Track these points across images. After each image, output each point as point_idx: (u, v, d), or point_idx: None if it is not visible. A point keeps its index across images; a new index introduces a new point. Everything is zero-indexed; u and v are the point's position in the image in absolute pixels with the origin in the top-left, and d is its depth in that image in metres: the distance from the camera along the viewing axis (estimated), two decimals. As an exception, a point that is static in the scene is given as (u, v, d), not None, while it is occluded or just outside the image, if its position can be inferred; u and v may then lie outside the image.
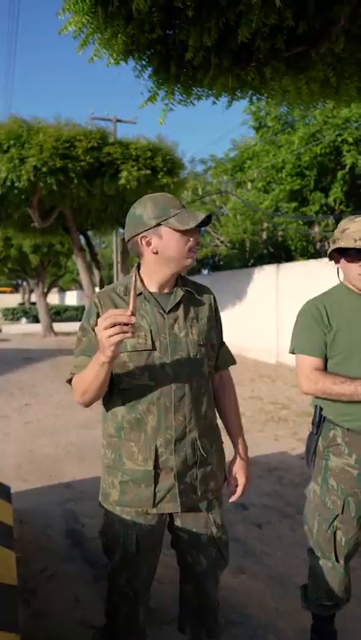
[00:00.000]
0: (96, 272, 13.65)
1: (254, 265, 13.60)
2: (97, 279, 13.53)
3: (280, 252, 13.92)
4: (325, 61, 3.22)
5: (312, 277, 9.56)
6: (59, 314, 30.43)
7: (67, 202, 10.98)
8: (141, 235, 1.56)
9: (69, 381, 1.61)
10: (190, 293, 1.68)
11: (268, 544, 2.96)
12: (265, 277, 11.36)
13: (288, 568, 2.67)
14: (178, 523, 1.66)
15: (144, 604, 1.68)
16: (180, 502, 1.58)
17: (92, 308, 1.60)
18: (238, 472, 1.78)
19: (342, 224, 1.89)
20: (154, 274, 1.60)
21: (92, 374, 1.45)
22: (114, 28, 2.86)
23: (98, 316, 1.56)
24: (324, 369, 1.88)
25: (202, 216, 1.54)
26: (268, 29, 2.77)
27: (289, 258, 13.25)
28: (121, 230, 13.97)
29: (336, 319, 1.87)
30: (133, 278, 1.37)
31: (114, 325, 1.29)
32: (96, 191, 10.27)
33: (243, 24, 2.68)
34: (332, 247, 1.88)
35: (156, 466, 1.55)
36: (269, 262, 12.75)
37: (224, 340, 1.83)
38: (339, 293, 1.94)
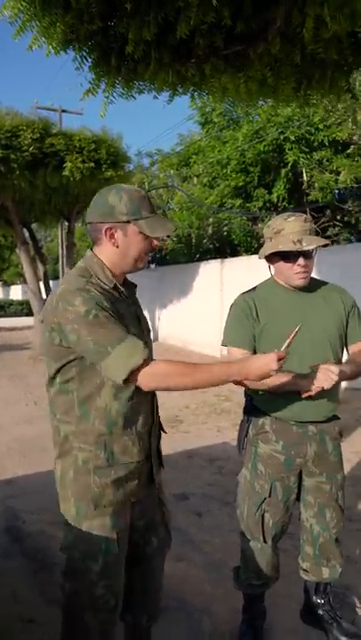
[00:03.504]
0: (40, 266, 13.37)
1: (200, 259, 13.73)
2: (41, 273, 13.26)
3: (225, 247, 14.12)
4: (263, 61, 3.30)
5: (255, 272, 9.72)
6: (2, 308, 29.56)
7: (8, 193, 10.66)
8: (107, 225, 1.53)
9: (137, 369, 1.41)
10: (134, 285, 1.74)
11: (207, 532, 3.04)
12: (210, 272, 11.51)
13: (225, 554, 2.75)
14: (136, 510, 1.65)
15: (116, 615, 1.60)
16: (155, 485, 1.68)
17: (92, 293, 1.45)
18: None
19: (275, 224, 1.91)
20: (113, 265, 1.58)
21: (215, 380, 1.51)
22: (52, 17, 2.82)
23: (104, 303, 1.45)
24: None
25: (172, 228, 1.63)
26: (206, 27, 2.82)
27: (234, 253, 13.46)
28: (66, 223, 13.72)
29: (265, 313, 1.95)
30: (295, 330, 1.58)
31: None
32: (39, 183, 10.04)
33: (181, 20, 2.71)
34: (271, 250, 1.89)
35: (147, 454, 1.62)
36: (214, 257, 12.91)
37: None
38: (270, 287, 2.02)
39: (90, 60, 3.40)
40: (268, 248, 1.92)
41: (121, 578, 1.59)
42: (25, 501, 3.44)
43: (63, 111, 17.72)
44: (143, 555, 1.72)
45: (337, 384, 1.93)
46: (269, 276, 2.07)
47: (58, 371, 1.52)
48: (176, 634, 2.12)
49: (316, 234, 1.96)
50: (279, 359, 1.49)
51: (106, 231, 1.53)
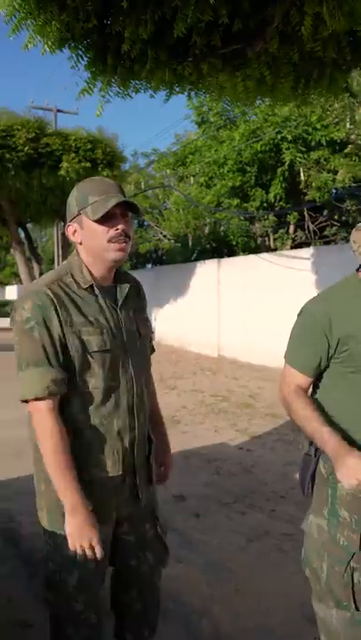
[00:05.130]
0: (35, 266, 13.33)
1: (196, 259, 13.73)
2: (37, 273, 13.22)
3: (222, 247, 14.11)
4: (261, 60, 3.29)
5: (252, 272, 9.77)
6: (-2, 308, 29.43)
7: (3, 193, 10.64)
8: (69, 223, 1.49)
9: (31, 399, 1.37)
10: (130, 285, 1.59)
11: (204, 532, 3.02)
12: (206, 272, 11.50)
13: (223, 555, 2.74)
14: (125, 525, 1.56)
15: (100, 630, 1.55)
16: (140, 499, 1.54)
17: (46, 300, 1.38)
18: (164, 456, 1.75)
19: None
20: (91, 265, 1.48)
21: (59, 479, 1.37)
22: (47, 15, 2.80)
23: (57, 311, 1.38)
24: (312, 384, 1.65)
25: (111, 203, 1.39)
26: (203, 25, 2.80)
27: (231, 253, 13.45)
28: (61, 223, 13.70)
29: (350, 324, 1.52)
30: None
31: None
32: (34, 183, 10.03)
33: (178, 19, 2.69)
34: None
35: (124, 469, 1.48)
36: (211, 257, 12.90)
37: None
38: (352, 289, 1.60)
39: (85, 58, 3.38)
40: None
41: (100, 594, 1.53)
42: (19, 503, 3.41)
43: (58, 111, 17.66)
44: (139, 573, 1.62)
45: None
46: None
47: None
48: (175, 636, 2.10)
49: None
50: None
51: (69, 230, 1.49)
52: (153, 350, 1.78)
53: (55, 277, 1.45)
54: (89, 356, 1.42)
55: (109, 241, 1.42)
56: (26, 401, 1.39)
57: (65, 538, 1.43)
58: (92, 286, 1.46)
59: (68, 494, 1.37)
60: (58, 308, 1.38)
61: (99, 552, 1.38)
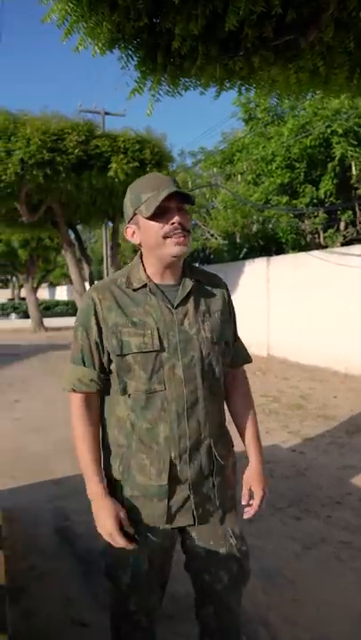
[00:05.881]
0: (85, 267, 13.55)
1: (245, 258, 13.58)
2: (86, 274, 13.44)
3: (270, 245, 13.89)
4: (315, 50, 3.18)
5: (302, 270, 9.57)
6: (49, 309, 30.24)
7: (55, 195, 10.87)
8: (127, 225, 1.49)
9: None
10: (200, 284, 1.52)
11: (259, 538, 2.95)
12: (256, 270, 11.36)
13: (278, 561, 2.67)
14: (193, 537, 1.52)
15: (154, 632, 1.57)
16: (196, 515, 1.46)
17: (89, 304, 1.45)
18: (255, 484, 1.63)
19: None
20: (150, 265, 1.47)
21: (83, 467, 1.46)
22: (98, 16, 2.81)
23: (96, 315, 1.43)
24: None
25: (162, 195, 1.36)
26: (255, 17, 2.73)
27: (280, 251, 13.23)
28: (110, 224, 13.89)
29: None
30: None
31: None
32: (84, 184, 10.16)
33: (230, 12, 2.64)
34: None
35: (171, 478, 1.42)
36: (260, 255, 12.72)
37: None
38: None
39: (135, 58, 3.38)
40: None
41: (152, 599, 1.54)
42: (74, 502, 3.45)
43: (106, 113, 17.94)
44: (213, 592, 1.55)
45: None
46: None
47: None
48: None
49: None
50: None
51: (128, 232, 1.49)
52: (244, 358, 1.68)
53: (112, 278, 1.50)
54: (127, 358, 1.41)
55: (166, 236, 1.39)
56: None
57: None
58: (145, 285, 1.45)
59: (88, 482, 1.44)
60: (98, 311, 1.43)
61: (120, 541, 1.38)
